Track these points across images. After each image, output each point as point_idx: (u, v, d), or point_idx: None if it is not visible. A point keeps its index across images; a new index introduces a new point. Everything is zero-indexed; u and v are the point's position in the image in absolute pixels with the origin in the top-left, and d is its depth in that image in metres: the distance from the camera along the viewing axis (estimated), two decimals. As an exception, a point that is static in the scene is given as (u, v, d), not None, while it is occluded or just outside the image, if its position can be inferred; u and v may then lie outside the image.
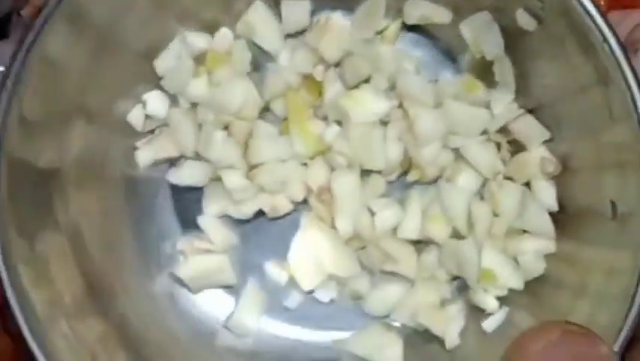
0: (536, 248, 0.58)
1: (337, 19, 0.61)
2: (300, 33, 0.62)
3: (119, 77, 0.58)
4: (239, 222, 0.63)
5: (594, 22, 0.50)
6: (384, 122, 0.60)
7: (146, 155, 0.61)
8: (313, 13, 0.61)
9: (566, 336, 0.46)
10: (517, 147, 0.60)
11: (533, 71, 0.57)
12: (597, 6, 0.51)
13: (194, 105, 0.61)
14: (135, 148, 0.61)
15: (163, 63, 0.60)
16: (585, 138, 0.55)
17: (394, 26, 0.61)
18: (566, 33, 0.52)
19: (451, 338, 0.60)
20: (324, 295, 0.62)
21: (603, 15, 0.51)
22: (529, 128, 0.59)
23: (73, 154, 0.57)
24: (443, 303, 0.61)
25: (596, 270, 0.54)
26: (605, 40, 0.50)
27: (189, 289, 0.62)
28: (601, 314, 0.52)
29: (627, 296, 0.50)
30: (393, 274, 0.61)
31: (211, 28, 0.61)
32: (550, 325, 0.48)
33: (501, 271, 0.58)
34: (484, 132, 0.60)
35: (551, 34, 0.54)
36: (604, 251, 0.54)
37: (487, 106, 0.60)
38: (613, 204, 0.53)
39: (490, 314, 0.59)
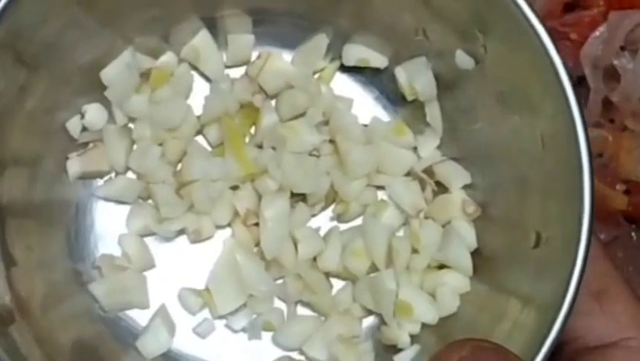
0: (453, 283, 0.59)
1: (278, 54, 0.63)
2: (240, 66, 0.64)
3: (61, 86, 0.59)
4: (158, 245, 0.63)
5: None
6: (315, 156, 0.62)
7: (76, 165, 0.61)
8: (256, 48, 0.64)
9: (476, 351, 0.47)
10: (440, 188, 0.62)
11: (464, 117, 0.60)
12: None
13: (131, 121, 0.62)
14: (67, 158, 0.61)
15: (110, 73, 0.60)
16: (510, 176, 0.57)
17: (332, 67, 0.64)
18: (504, 74, 0.55)
19: (361, 374, 0.60)
20: (237, 323, 0.61)
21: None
22: (451, 172, 0.61)
23: (10, 154, 0.57)
24: (354, 339, 0.61)
25: (510, 308, 0.55)
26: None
27: (102, 309, 0.61)
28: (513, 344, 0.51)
29: (547, 316, 0.50)
30: (307, 307, 0.62)
31: (156, 52, 0.62)
32: (463, 341, 0.49)
33: (417, 304, 0.59)
34: (409, 173, 0.62)
35: (487, 77, 0.56)
36: (521, 285, 0.55)
37: (414, 148, 0.63)
38: (537, 234, 0.54)
39: (401, 350, 0.60)
